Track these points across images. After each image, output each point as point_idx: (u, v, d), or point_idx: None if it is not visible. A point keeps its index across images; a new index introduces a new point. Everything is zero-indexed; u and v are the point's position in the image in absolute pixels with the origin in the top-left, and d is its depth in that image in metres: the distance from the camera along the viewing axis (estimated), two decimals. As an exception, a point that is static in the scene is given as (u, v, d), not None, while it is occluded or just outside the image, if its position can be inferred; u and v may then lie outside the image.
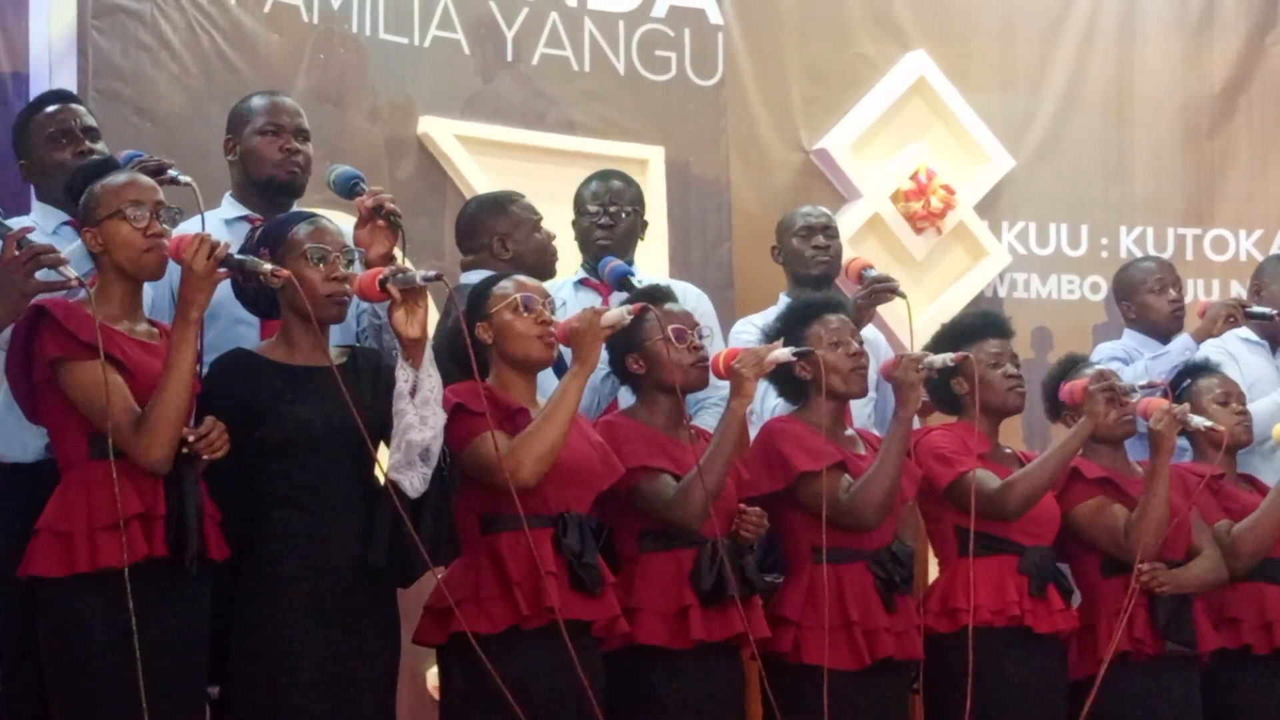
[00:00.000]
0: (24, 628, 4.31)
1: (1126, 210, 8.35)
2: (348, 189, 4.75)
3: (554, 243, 5.54)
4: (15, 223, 4.25)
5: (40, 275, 4.03)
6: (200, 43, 6.32)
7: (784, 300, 5.90)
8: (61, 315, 4.02)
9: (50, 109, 4.86)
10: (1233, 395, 5.79)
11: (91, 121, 4.87)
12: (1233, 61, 8.48)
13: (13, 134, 4.94)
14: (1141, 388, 5.52)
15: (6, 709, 4.51)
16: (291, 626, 4.15)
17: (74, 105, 4.91)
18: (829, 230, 6.29)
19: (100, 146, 4.78)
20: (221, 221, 4.81)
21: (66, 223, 4.68)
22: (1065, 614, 5.27)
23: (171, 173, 4.51)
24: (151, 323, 4.27)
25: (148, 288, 4.38)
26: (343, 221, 4.56)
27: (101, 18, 6.06)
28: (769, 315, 5.49)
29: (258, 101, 5.06)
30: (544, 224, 5.50)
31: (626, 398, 5.05)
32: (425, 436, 4.20)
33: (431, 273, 4.29)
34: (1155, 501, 5.28)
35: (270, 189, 4.95)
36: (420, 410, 4.20)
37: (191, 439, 4.02)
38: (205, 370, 4.31)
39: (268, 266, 4.14)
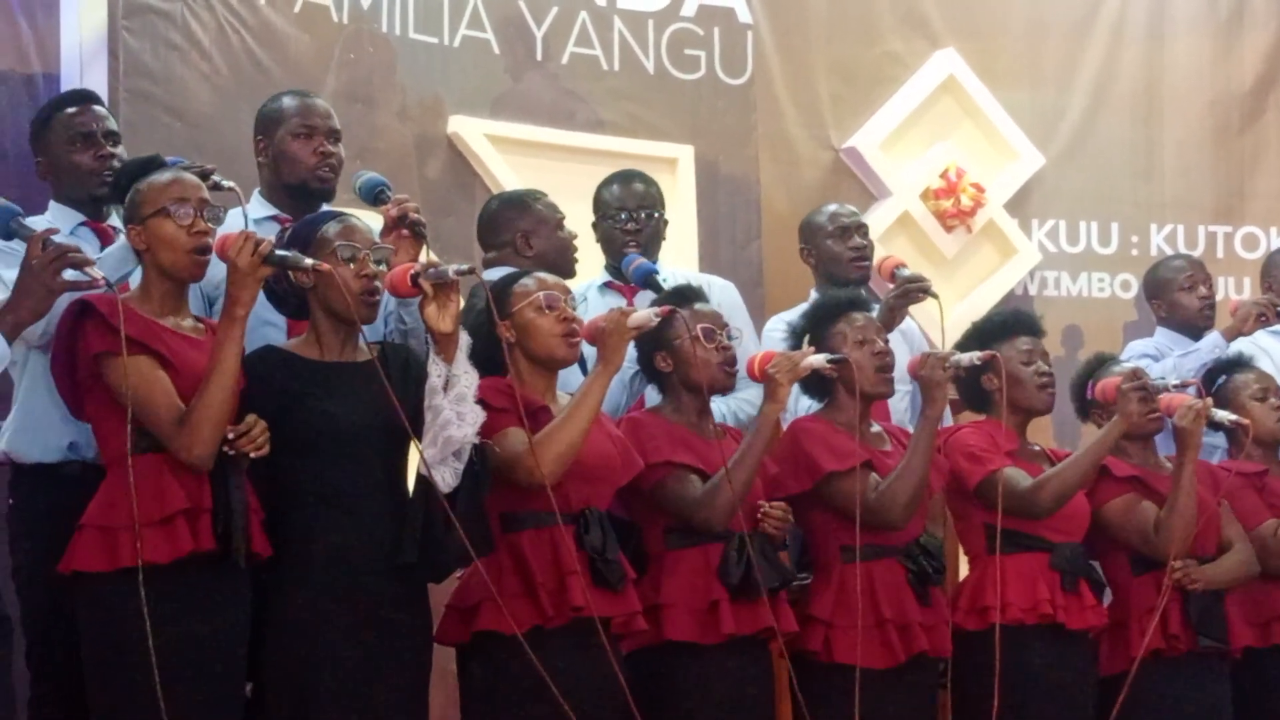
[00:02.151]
0: (50, 630, 4.33)
1: (1157, 208, 8.34)
2: (373, 196, 4.71)
3: (575, 241, 5.54)
4: (34, 222, 4.26)
5: (68, 275, 4.03)
6: (230, 43, 6.32)
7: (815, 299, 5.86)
8: (106, 310, 4.02)
9: (71, 110, 4.79)
10: (1270, 390, 5.76)
11: (113, 125, 4.82)
12: (1263, 58, 8.47)
13: (31, 129, 4.88)
14: (1174, 387, 5.50)
15: (34, 710, 4.52)
16: (322, 624, 4.14)
17: (96, 107, 4.84)
18: (863, 229, 6.19)
19: (121, 150, 4.73)
20: (251, 221, 4.72)
21: (83, 223, 4.67)
22: (1096, 610, 5.26)
23: (215, 178, 4.44)
24: (198, 318, 4.27)
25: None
26: (371, 220, 4.55)
27: (132, 18, 6.06)
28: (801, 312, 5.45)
29: (289, 103, 4.99)
30: (566, 223, 5.50)
31: (653, 397, 5.04)
32: (466, 433, 4.19)
33: (464, 266, 4.29)
34: (1184, 498, 5.27)
35: (303, 194, 4.90)
36: (456, 406, 4.19)
37: (232, 436, 4.03)
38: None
39: (309, 262, 4.13)
